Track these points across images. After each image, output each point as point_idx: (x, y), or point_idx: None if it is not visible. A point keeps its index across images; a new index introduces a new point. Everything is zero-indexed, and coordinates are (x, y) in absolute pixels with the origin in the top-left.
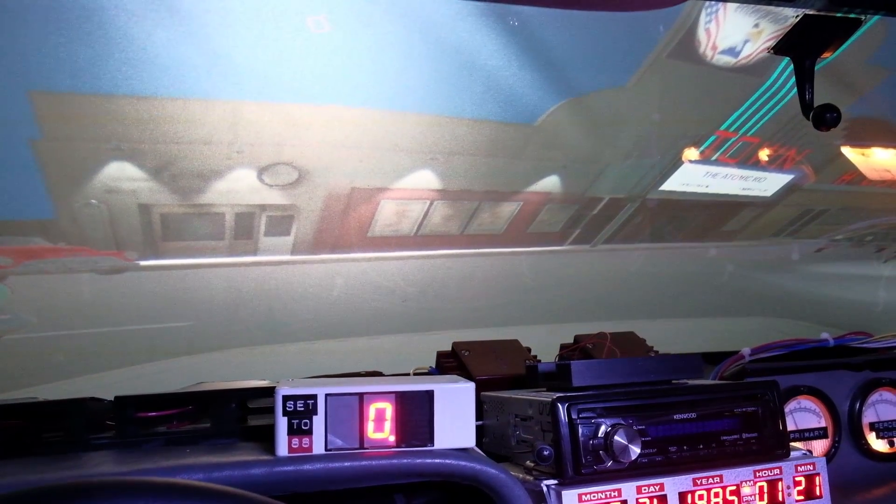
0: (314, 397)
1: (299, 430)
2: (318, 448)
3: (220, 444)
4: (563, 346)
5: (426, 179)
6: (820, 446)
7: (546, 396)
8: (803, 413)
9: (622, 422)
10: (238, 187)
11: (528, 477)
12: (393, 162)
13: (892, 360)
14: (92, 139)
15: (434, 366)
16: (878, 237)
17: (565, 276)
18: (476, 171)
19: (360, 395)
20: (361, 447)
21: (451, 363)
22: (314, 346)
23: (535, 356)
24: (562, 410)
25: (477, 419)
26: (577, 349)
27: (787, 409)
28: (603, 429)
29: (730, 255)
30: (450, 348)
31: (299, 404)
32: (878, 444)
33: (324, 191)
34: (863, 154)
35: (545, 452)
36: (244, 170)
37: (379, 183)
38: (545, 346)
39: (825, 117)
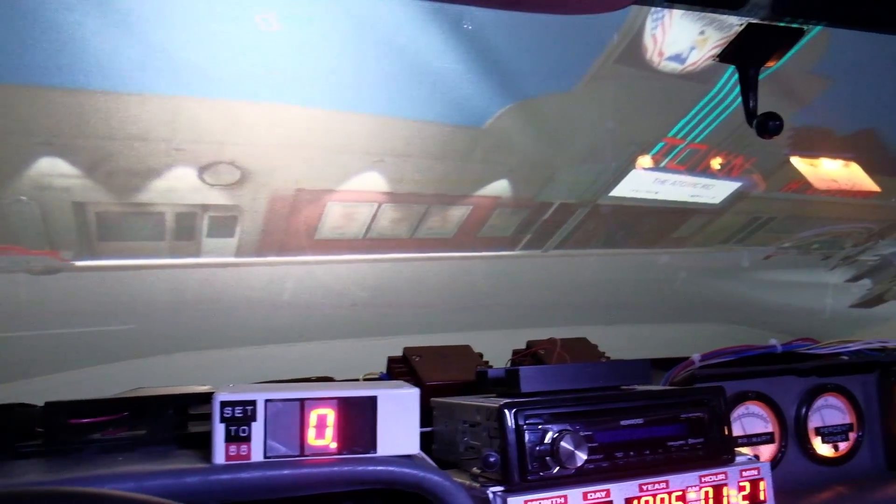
0: (253, 403)
1: (237, 436)
2: (257, 455)
3: (156, 451)
4: (515, 352)
5: (373, 181)
6: (767, 451)
7: (494, 402)
8: (751, 418)
9: (569, 428)
10: (178, 186)
11: (474, 484)
12: (339, 163)
13: (838, 365)
14: (20, 133)
15: (385, 371)
16: (824, 245)
17: (518, 281)
18: (424, 173)
19: (302, 401)
20: (302, 454)
21: (401, 369)
22: (263, 352)
23: (487, 362)
24: (509, 416)
25: (427, 426)
26: (528, 355)
27: (735, 415)
28: (550, 435)
29: (681, 261)
30: (401, 353)
31: (237, 410)
32: (824, 449)
33: (268, 191)
34: (807, 163)
35: (491, 459)
36: (184, 168)
37: (325, 184)
38: (498, 351)
39: (768, 125)
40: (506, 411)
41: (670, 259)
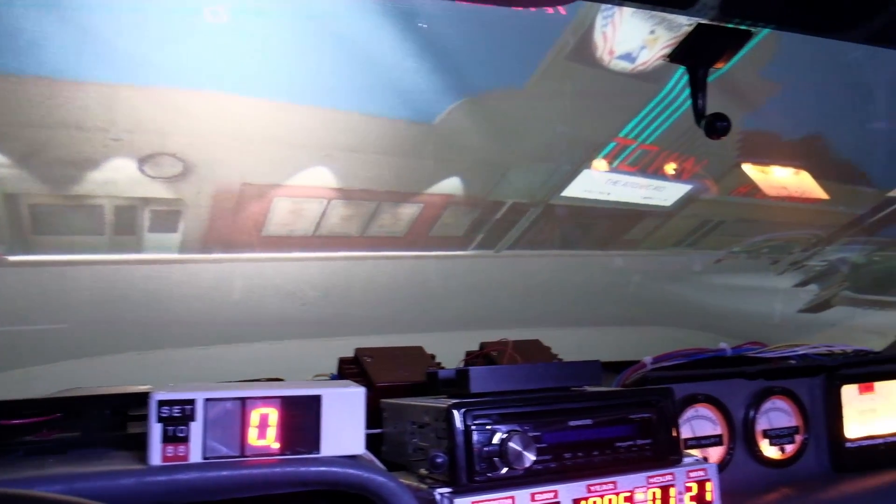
0: (192, 402)
1: (175, 437)
2: (196, 456)
3: (91, 453)
4: (468, 354)
5: (322, 177)
6: (716, 453)
7: (443, 403)
8: (700, 421)
9: (518, 428)
10: (117, 178)
11: (421, 485)
12: (286, 157)
13: (785, 369)
14: None
15: (336, 372)
16: (774, 250)
17: (471, 282)
18: (374, 169)
19: (243, 400)
20: (242, 455)
21: (353, 370)
22: (210, 352)
23: (440, 363)
24: (457, 417)
25: (377, 427)
26: (481, 356)
27: (684, 417)
28: (498, 435)
29: (634, 264)
30: (353, 354)
31: (175, 410)
32: (770, 451)
33: (212, 185)
34: (756, 167)
35: (438, 460)
36: (123, 159)
37: (272, 179)
38: (451, 353)
39: (716, 126)
40: (454, 411)
41: (623, 262)
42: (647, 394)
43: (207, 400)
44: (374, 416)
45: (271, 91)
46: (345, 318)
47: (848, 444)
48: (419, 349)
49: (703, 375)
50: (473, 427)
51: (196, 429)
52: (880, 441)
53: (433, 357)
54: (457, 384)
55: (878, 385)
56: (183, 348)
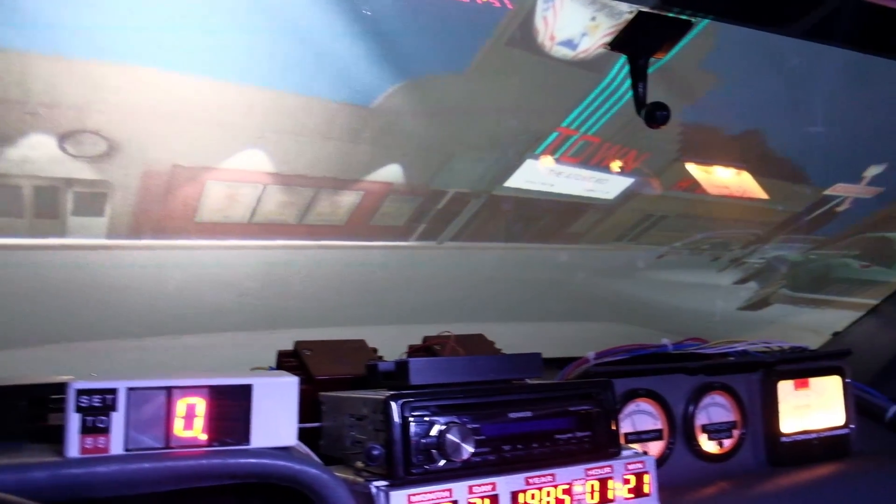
0: (114, 392)
1: (94, 428)
2: (117, 448)
3: (5, 446)
4: (410, 347)
5: (256, 160)
6: (656, 447)
7: (381, 395)
8: (641, 415)
9: (456, 420)
10: (35, 156)
11: (357, 479)
12: (218, 138)
13: (725, 365)
14: None
15: (275, 365)
16: (715, 247)
17: (414, 274)
18: (310, 154)
19: (168, 390)
20: (167, 447)
21: (291, 363)
22: (143, 344)
23: (382, 357)
24: (394, 408)
25: (316, 421)
26: (423, 350)
27: (625, 412)
28: (436, 427)
29: (578, 259)
30: (292, 347)
31: (95, 399)
32: (709, 446)
33: (140, 167)
34: (697, 161)
35: (374, 452)
36: (41, 136)
37: (204, 161)
38: (394, 347)
39: (656, 115)
40: (392, 403)
41: (567, 256)
42: (587, 386)
43: (130, 389)
44: (312, 410)
45: (204, 68)
46: (284, 310)
47: (783, 439)
48: (361, 342)
49: (645, 371)
50: (411, 419)
51: (117, 419)
52: (814, 436)
53: (375, 351)
54: (397, 376)
55: (812, 381)
56: (111, 340)
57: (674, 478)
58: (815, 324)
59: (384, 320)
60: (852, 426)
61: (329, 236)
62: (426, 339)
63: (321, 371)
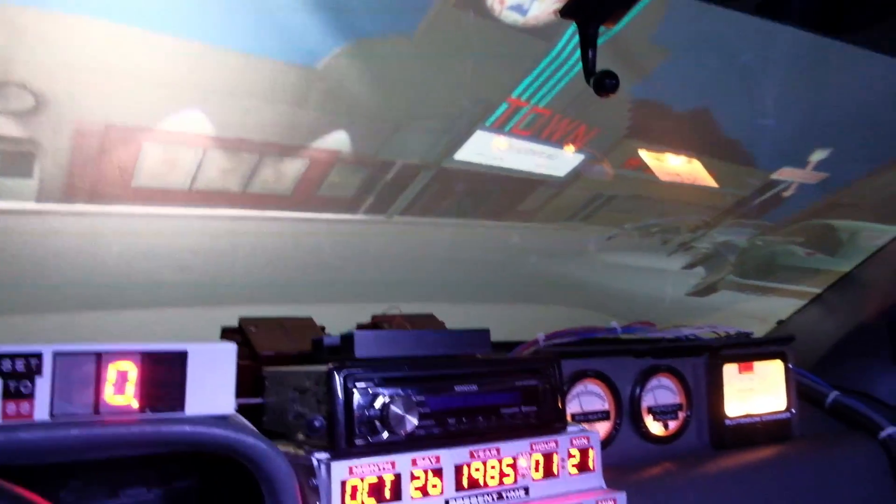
0: (38, 356)
1: (17, 393)
2: (42, 414)
3: None
4: (359, 326)
5: (196, 122)
6: (603, 428)
7: (325, 367)
8: (589, 396)
9: (401, 393)
10: None
11: (299, 451)
12: (155, 96)
13: (672, 348)
14: None
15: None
16: (664, 230)
17: (363, 250)
18: (254, 117)
19: (98, 355)
20: (96, 413)
21: (236, 339)
22: (80, 319)
23: (329, 334)
24: (337, 379)
25: (258, 397)
26: (372, 328)
27: (573, 392)
28: (380, 400)
29: (529, 239)
30: (237, 324)
31: (18, 364)
32: (655, 427)
33: (71, 125)
34: (646, 140)
35: (316, 423)
36: None
37: (139, 121)
38: (342, 325)
39: (605, 83)
40: (335, 374)
41: (519, 236)
42: (533, 362)
43: (57, 354)
44: (256, 386)
45: (142, 19)
46: (229, 286)
47: (727, 422)
48: (309, 320)
49: (594, 352)
50: (355, 390)
51: (42, 385)
52: (757, 419)
53: (323, 329)
54: (342, 350)
55: (757, 365)
56: (39, 314)
57: (619, 458)
58: (761, 312)
59: (333, 299)
60: (793, 410)
61: (275, 206)
62: (374, 317)
63: (266, 347)
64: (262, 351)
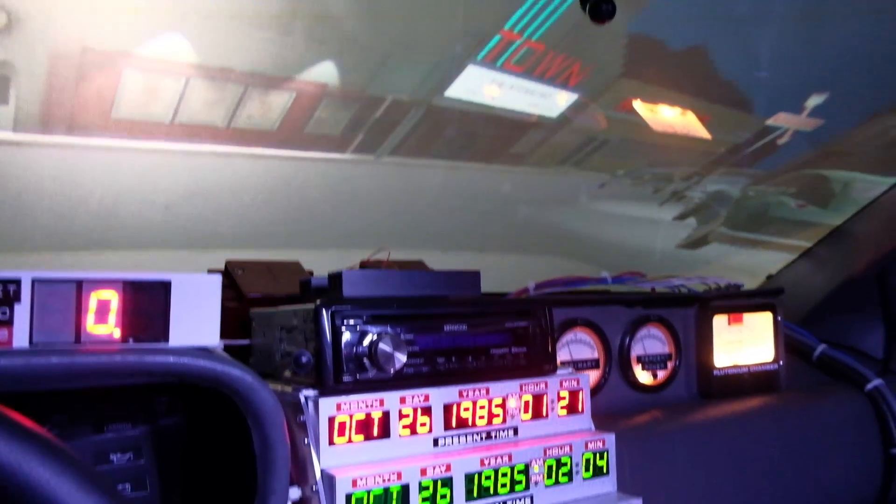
0: (17, 282)
1: None
2: (21, 342)
3: None
4: None
5: (177, 47)
6: (592, 377)
7: (312, 304)
8: (578, 344)
9: (389, 330)
10: None
11: (287, 388)
12: (133, 18)
13: (663, 298)
14: None
15: None
16: (656, 177)
17: (352, 193)
18: (239, 44)
19: (79, 283)
20: (77, 342)
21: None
22: (60, 260)
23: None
24: (325, 316)
25: (245, 338)
26: None
27: (563, 340)
28: (368, 337)
29: (521, 185)
30: (223, 267)
31: None
32: (643, 377)
33: (46, 47)
34: (640, 80)
35: (303, 359)
36: None
37: (118, 45)
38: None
39: (601, 8)
40: (323, 310)
41: (510, 182)
42: (524, 304)
43: (36, 281)
44: (243, 328)
45: None
46: (213, 227)
47: (715, 372)
48: (296, 264)
49: (584, 300)
50: (343, 327)
51: (21, 312)
52: (745, 370)
53: (311, 274)
54: (330, 290)
55: (746, 317)
56: (20, 253)
57: (607, 407)
58: (751, 266)
59: (321, 244)
60: (781, 362)
61: (260, 143)
62: (363, 262)
63: (253, 289)
64: (248, 293)
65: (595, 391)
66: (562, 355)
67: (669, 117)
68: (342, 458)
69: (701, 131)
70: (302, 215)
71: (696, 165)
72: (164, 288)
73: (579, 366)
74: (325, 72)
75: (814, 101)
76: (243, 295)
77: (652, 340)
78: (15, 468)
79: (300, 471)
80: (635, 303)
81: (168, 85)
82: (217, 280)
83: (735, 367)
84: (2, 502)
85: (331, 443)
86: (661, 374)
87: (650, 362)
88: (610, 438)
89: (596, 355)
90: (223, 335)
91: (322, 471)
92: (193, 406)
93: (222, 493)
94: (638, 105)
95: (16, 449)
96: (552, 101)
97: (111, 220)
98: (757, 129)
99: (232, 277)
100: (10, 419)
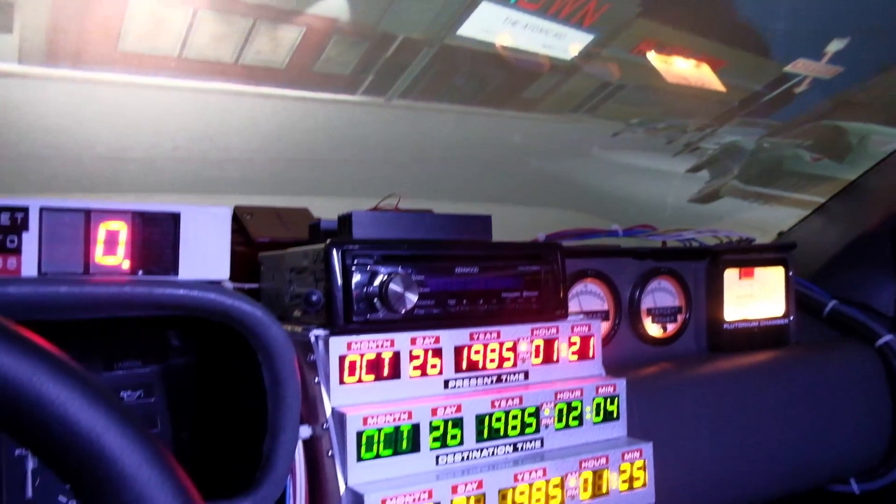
0: (25, 210)
1: (4, 248)
2: (30, 271)
3: None
4: None
5: None
6: (602, 328)
7: (322, 244)
8: (588, 296)
9: (399, 271)
10: None
11: (296, 328)
12: None
13: (674, 251)
14: None
15: None
16: (670, 127)
17: (361, 139)
18: None
19: (87, 213)
20: (86, 272)
21: (231, 227)
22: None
23: None
24: (335, 256)
25: (254, 282)
26: None
27: (573, 291)
28: (379, 277)
29: (533, 133)
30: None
31: (4, 217)
32: (653, 329)
33: None
34: (657, 19)
35: (313, 297)
36: None
37: None
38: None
39: None
40: (333, 250)
41: (522, 130)
42: (535, 248)
43: (44, 209)
44: (252, 272)
45: None
46: (221, 170)
47: (725, 326)
48: (304, 210)
49: (595, 251)
50: (353, 267)
51: (30, 240)
52: (754, 324)
53: (319, 220)
54: (340, 233)
55: (757, 271)
56: (26, 193)
57: (617, 358)
58: (762, 222)
59: (329, 192)
60: (791, 317)
61: (269, 81)
62: (371, 209)
63: (261, 234)
64: (257, 237)
65: (604, 343)
66: (572, 306)
67: (686, 65)
68: (352, 398)
69: (718, 77)
70: (310, 162)
71: (711, 114)
72: (174, 220)
73: (589, 317)
74: (335, 6)
75: (835, 45)
76: (252, 240)
77: (662, 293)
78: (26, 384)
79: (310, 410)
80: (646, 255)
81: (176, 16)
82: (227, 213)
83: (745, 321)
84: (12, 419)
85: (341, 382)
86: (671, 327)
87: (660, 315)
88: (621, 384)
89: (606, 307)
90: (232, 279)
91: (333, 409)
92: (203, 344)
93: (232, 432)
94: (654, 49)
95: (28, 364)
96: (566, 42)
97: (118, 163)
98: (775, 77)
99: (240, 222)
100: (21, 336)
